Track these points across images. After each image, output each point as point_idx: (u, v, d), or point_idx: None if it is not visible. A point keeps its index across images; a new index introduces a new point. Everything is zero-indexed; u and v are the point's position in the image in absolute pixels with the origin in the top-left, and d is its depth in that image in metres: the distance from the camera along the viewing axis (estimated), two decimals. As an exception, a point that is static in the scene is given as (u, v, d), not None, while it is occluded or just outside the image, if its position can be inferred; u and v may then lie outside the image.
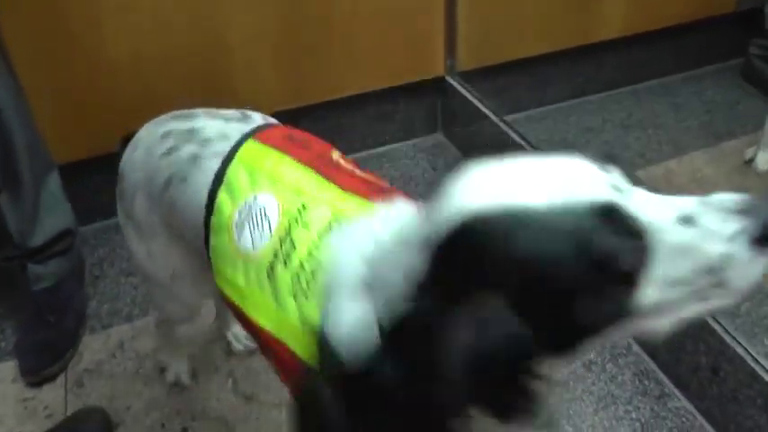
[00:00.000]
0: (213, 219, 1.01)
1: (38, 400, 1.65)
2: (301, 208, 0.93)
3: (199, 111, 1.16)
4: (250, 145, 1.04)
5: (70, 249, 1.78)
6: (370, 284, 0.74)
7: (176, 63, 1.98)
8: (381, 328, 0.68)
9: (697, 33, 2.61)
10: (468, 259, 0.62)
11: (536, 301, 0.61)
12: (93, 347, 1.77)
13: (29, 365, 1.69)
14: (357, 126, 2.37)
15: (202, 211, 1.02)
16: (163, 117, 1.19)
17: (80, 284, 1.86)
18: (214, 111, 1.15)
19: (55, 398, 1.65)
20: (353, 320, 0.73)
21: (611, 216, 0.62)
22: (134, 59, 1.94)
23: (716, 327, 1.49)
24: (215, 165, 1.02)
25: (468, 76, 2.39)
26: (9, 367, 1.72)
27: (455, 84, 2.38)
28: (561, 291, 0.61)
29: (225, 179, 1.01)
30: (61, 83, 1.90)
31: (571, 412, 1.58)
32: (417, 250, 0.66)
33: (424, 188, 2.16)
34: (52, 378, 1.69)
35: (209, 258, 1.03)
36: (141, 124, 1.21)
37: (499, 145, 2.19)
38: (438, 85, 2.42)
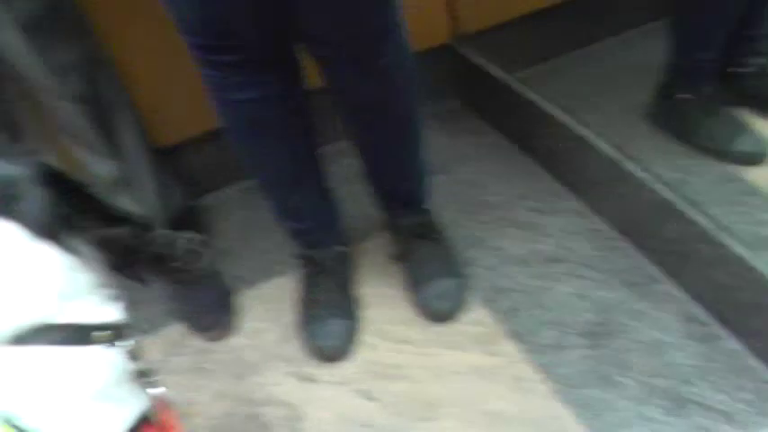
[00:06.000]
0: None
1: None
2: None
3: None
4: None
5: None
6: None
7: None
8: None
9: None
10: None
11: None
12: (149, 347, 1.80)
13: (207, 323, 1.85)
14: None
15: None
16: None
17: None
18: None
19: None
20: None
21: None
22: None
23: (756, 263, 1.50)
24: None
25: (473, 39, 2.39)
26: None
27: (461, 48, 2.39)
28: None
29: None
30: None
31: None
32: None
33: (446, 155, 2.18)
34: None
35: None
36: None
37: (515, 104, 2.20)
38: (445, 50, 2.43)
